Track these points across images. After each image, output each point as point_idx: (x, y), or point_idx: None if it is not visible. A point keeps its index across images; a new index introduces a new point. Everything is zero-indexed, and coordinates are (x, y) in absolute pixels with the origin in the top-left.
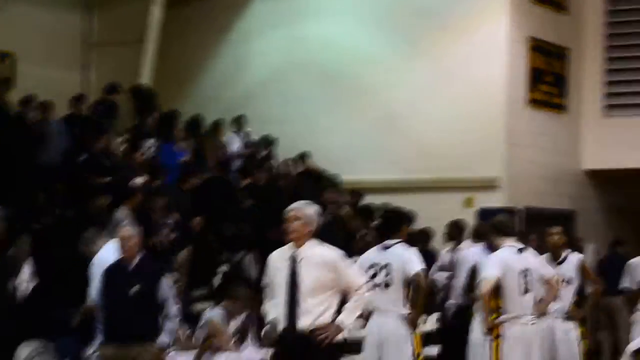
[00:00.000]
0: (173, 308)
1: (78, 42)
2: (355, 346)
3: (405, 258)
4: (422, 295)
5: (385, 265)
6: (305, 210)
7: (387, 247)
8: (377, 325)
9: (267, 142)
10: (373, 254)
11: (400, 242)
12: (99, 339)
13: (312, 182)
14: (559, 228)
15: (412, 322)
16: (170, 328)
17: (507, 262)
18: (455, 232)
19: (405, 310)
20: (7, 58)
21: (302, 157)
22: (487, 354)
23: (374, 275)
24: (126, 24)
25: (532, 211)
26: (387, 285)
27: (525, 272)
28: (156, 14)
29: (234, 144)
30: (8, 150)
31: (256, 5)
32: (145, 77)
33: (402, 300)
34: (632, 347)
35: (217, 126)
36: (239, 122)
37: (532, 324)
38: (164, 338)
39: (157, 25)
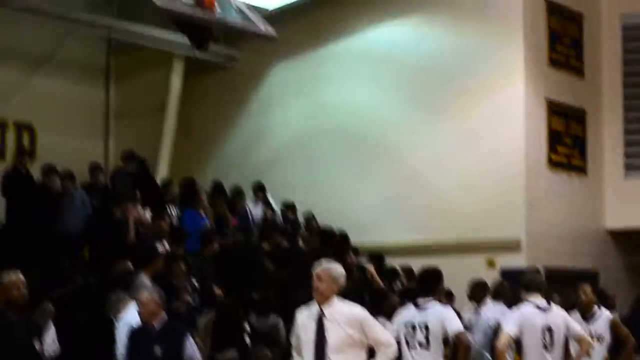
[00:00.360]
0: None
1: (98, 113)
2: None
3: (444, 317)
4: (466, 353)
5: (424, 324)
6: (331, 269)
7: (422, 306)
8: None
9: (288, 207)
10: (409, 313)
11: (434, 301)
12: None
13: (327, 241)
14: (588, 286)
15: None
16: None
17: (527, 318)
18: (477, 292)
19: None
20: (28, 130)
21: (308, 218)
22: None
23: (411, 334)
24: (146, 94)
25: (552, 271)
26: (426, 343)
27: (548, 329)
28: (176, 83)
29: (255, 211)
30: (32, 219)
31: (276, 72)
32: (166, 146)
33: (441, 359)
34: None
35: (237, 192)
36: (257, 190)
37: None
38: None
39: (177, 95)
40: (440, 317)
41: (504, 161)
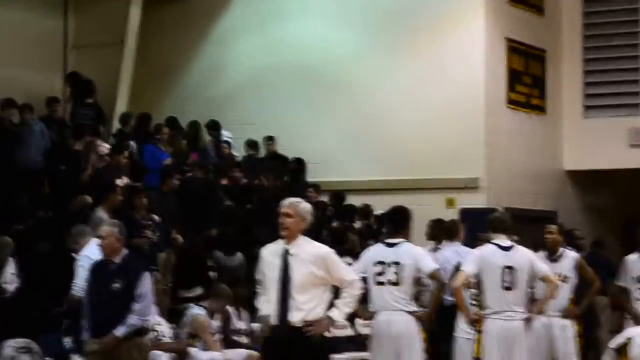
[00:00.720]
0: (141, 306)
1: (56, 44)
2: (363, 342)
3: (416, 256)
4: (441, 292)
5: (395, 263)
6: (299, 207)
7: (392, 245)
8: (386, 322)
9: (249, 145)
10: (378, 251)
11: (403, 239)
12: (84, 335)
13: (280, 166)
14: (554, 226)
15: (427, 319)
16: (129, 322)
17: (486, 258)
18: (436, 231)
19: (414, 307)
20: None
21: (268, 140)
22: (470, 349)
23: (382, 273)
24: (105, 25)
25: (511, 211)
26: (397, 282)
27: (508, 269)
28: (135, 15)
29: (212, 147)
30: None
31: (235, 7)
32: (124, 79)
33: (410, 297)
34: (613, 344)
35: (196, 127)
36: (210, 127)
37: (517, 320)
38: (120, 329)
39: (136, 26)
40: (413, 255)
41: (463, 100)
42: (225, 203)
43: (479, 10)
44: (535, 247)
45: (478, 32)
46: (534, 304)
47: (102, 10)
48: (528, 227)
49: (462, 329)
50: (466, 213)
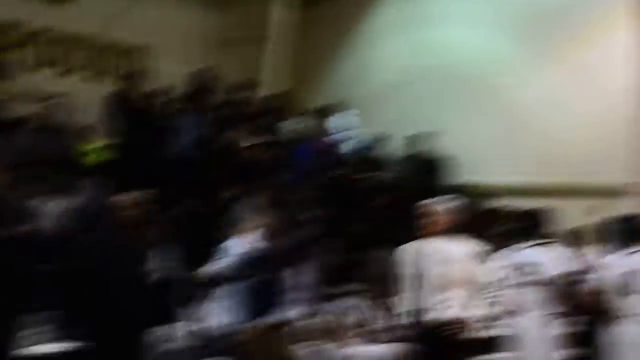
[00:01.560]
0: (292, 297)
1: (201, 39)
2: (498, 344)
3: (554, 259)
4: (575, 297)
5: (532, 265)
6: (441, 206)
7: (531, 247)
8: (522, 324)
9: (378, 141)
10: (518, 254)
11: (539, 243)
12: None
13: (424, 166)
14: None
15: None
16: (281, 312)
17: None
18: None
19: (550, 310)
20: (136, 53)
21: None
22: None
23: (517, 275)
24: (251, 22)
25: None
26: (532, 284)
27: (628, 274)
28: (280, 12)
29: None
30: (141, 142)
31: (384, 8)
32: (268, 76)
33: (547, 300)
34: None
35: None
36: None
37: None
38: (270, 318)
39: (280, 24)
40: (550, 259)
41: (608, 106)
42: (366, 200)
43: (627, 18)
44: None
45: (626, 38)
46: None
47: (250, 7)
48: None
49: None
50: (609, 219)
